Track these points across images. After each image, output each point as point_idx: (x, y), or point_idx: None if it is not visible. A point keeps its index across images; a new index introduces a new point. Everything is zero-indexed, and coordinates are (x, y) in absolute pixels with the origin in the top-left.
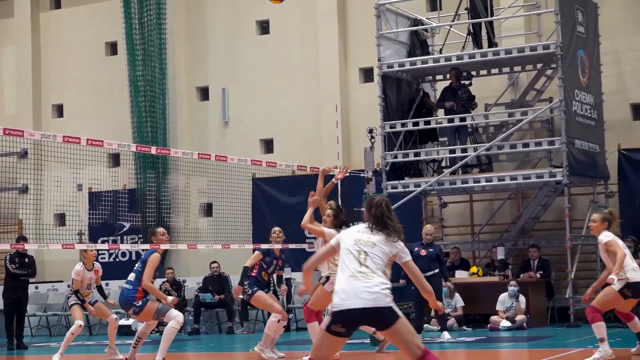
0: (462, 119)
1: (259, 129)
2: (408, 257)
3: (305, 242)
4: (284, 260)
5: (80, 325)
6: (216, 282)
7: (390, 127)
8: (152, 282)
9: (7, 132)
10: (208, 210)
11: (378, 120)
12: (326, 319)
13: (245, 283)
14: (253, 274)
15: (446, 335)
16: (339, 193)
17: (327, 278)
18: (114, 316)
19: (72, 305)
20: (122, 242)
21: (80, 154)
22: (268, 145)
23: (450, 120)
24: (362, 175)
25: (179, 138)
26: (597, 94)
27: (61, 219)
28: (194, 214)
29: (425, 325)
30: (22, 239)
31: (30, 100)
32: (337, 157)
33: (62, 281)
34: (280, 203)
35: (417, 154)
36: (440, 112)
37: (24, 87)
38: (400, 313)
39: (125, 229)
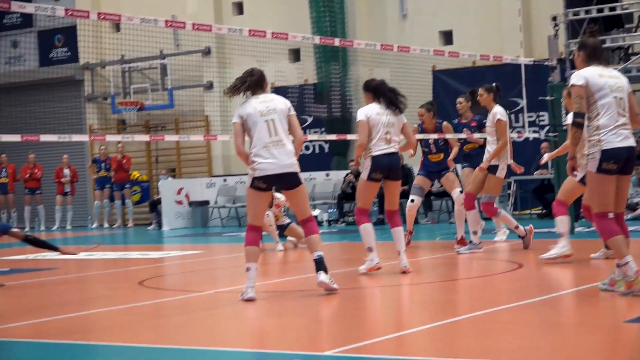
0: None
1: (437, 20)
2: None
3: None
4: (478, 121)
5: None
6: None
7: (574, 15)
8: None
9: (195, 27)
10: None
11: (561, 7)
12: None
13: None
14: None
15: None
16: (523, 82)
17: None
18: None
19: None
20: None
21: (262, 49)
22: (447, 37)
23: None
24: (546, 63)
25: (358, 31)
26: None
27: None
28: None
29: None
30: None
31: None
32: (520, 45)
33: (247, 174)
34: (460, 93)
35: (602, 42)
36: None
37: None
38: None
39: (307, 123)
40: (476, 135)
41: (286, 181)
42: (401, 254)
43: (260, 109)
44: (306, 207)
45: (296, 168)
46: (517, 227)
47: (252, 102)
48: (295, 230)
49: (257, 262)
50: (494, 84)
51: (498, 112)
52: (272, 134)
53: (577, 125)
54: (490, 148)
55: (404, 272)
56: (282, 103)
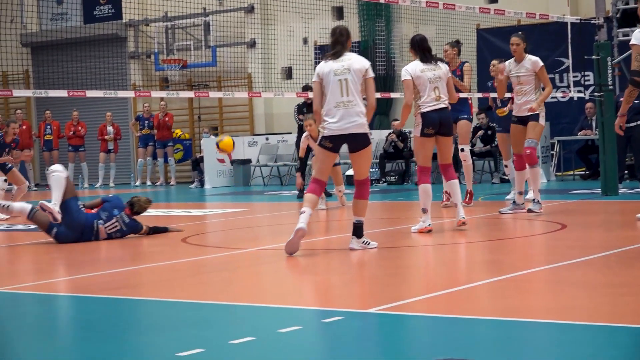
0: None
1: None
2: None
3: None
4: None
5: None
6: None
7: None
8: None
9: None
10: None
11: None
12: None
13: None
14: None
15: None
16: (569, 41)
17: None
18: None
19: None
20: None
21: (306, 6)
22: None
23: None
24: (592, 22)
25: None
26: None
27: (288, 72)
28: None
29: None
30: (307, 88)
31: None
32: (567, 4)
33: (290, 133)
34: (505, 53)
35: None
36: None
37: None
38: None
39: None
40: (507, 95)
41: (354, 141)
42: (458, 207)
43: (335, 67)
44: (366, 169)
45: (365, 129)
46: (520, 194)
47: (330, 62)
48: (339, 174)
49: (312, 209)
50: (519, 33)
51: (538, 59)
52: (344, 93)
53: (635, 83)
54: (527, 98)
55: (463, 224)
56: (359, 63)
